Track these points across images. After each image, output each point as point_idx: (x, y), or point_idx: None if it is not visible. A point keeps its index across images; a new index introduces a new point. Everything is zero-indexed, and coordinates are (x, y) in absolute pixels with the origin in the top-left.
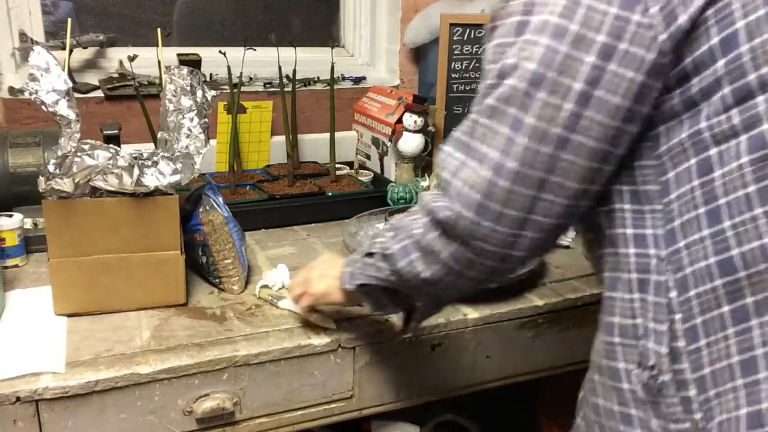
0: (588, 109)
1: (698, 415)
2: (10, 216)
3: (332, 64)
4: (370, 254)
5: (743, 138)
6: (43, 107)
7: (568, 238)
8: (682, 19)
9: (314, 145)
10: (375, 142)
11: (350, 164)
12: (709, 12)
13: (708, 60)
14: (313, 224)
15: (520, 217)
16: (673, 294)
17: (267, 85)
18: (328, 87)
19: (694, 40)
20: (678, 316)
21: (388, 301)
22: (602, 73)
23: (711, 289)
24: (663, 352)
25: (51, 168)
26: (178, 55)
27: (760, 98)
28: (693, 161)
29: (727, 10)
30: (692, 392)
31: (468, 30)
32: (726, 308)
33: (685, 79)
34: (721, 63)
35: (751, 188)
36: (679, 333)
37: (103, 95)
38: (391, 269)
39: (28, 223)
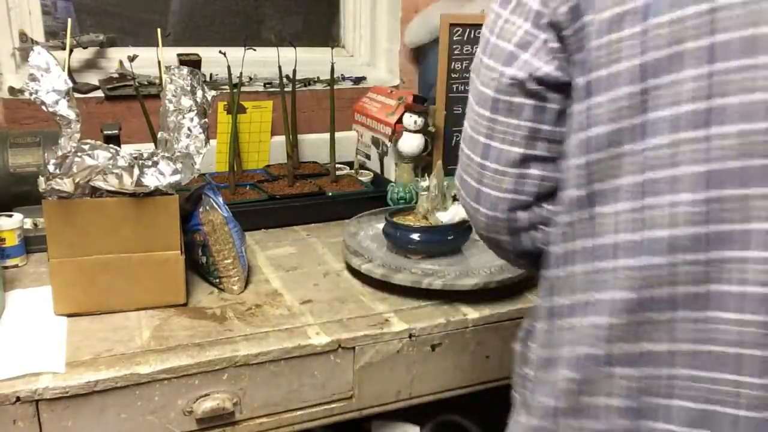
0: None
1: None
2: (10, 216)
3: (332, 64)
4: None
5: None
6: (43, 107)
7: None
8: None
9: (314, 145)
10: (375, 142)
11: (350, 164)
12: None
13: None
14: (313, 224)
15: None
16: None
17: (267, 85)
18: (328, 87)
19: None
20: None
21: None
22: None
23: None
24: None
25: (51, 168)
26: (178, 55)
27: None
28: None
29: None
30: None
31: (468, 30)
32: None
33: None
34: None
35: None
36: None
37: (103, 95)
38: None
39: (28, 223)
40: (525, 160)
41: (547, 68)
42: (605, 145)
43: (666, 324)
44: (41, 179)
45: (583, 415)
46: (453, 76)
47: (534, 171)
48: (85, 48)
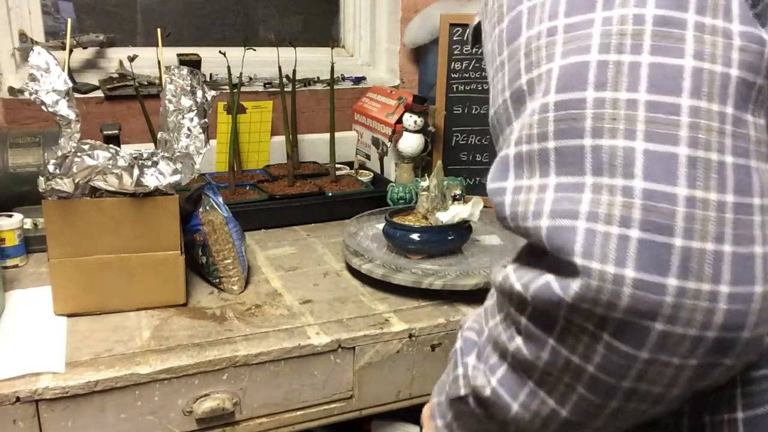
0: None
1: None
2: (10, 216)
3: (332, 64)
4: (458, 398)
5: None
6: (43, 107)
7: None
8: None
9: (314, 145)
10: (375, 142)
11: (350, 164)
12: None
13: None
14: (313, 224)
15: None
16: None
17: (267, 85)
18: (328, 87)
19: None
20: None
21: None
22: None
23: None
24: None
25: (51, 168)
26: (178, 55)
27: None
28: None
29: None
30: None
31: (468, 30)
32: None
33: None
34: None
35: None
36: None
37: (103, 95)
38: (497, 421)
39: (28, 223)
40: None
41: None
42: None
43: None
44: (41, 179)
45: None
46: (453, 76)
47: None
48: (85, 48)
